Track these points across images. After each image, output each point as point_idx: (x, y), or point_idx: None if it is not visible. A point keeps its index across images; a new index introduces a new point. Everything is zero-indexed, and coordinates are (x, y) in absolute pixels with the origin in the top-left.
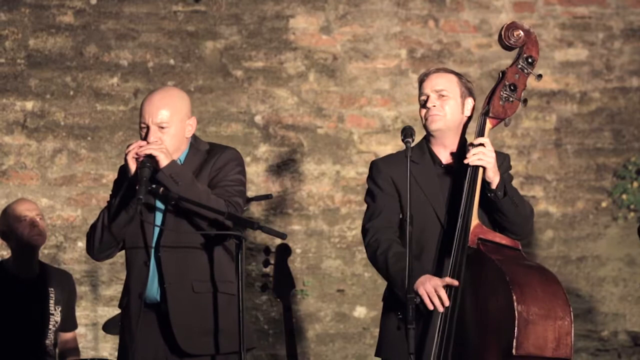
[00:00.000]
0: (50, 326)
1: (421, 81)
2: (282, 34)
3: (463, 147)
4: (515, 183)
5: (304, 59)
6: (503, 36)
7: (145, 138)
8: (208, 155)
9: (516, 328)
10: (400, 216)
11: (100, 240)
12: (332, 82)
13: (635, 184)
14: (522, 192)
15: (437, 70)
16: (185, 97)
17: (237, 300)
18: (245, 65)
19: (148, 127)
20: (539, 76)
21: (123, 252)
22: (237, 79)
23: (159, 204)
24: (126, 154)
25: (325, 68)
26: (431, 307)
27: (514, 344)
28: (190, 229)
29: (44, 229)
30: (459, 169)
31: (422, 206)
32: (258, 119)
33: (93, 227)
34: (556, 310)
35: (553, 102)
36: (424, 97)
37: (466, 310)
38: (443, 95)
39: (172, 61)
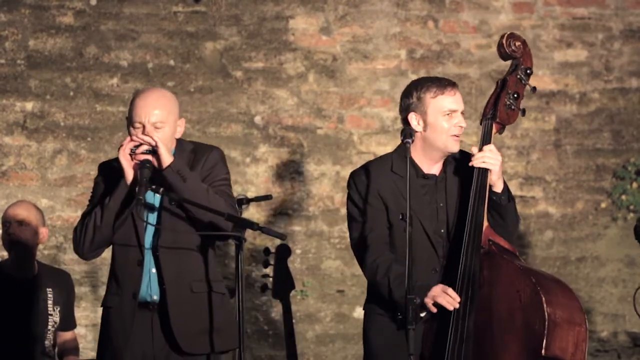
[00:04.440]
0: (49, 326)
1: (444, 91)
2: (282, 35)
3: (450, 157)
4: (515, 183)
5: (303, 60)
6: (504, 44)
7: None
8: (195, 155)
9: (546, 329)
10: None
11: (91, 241)
12: (331, 82)
13: (635, 185)
14: (521, 193)
15: (456, 85)
16: (175, 98)
17: (237, 300)
18: (245, 66)
19: (143, 126)
20: (534, 89)
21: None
22: (236, 80)
23: (157, 204)
24: (120, 151)
25: (325, 69)
26: (434, 310)
27: (544, 344)
28: (190, 229)
29: (20, 236)
30: (444, 178)
31: (410, 219)
32: (258, 119)
33: (83, 227)
34: (574, 316)
35: (552, 102)
36: (451, 113)
37: (479, 310)
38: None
39: (172, 62)
